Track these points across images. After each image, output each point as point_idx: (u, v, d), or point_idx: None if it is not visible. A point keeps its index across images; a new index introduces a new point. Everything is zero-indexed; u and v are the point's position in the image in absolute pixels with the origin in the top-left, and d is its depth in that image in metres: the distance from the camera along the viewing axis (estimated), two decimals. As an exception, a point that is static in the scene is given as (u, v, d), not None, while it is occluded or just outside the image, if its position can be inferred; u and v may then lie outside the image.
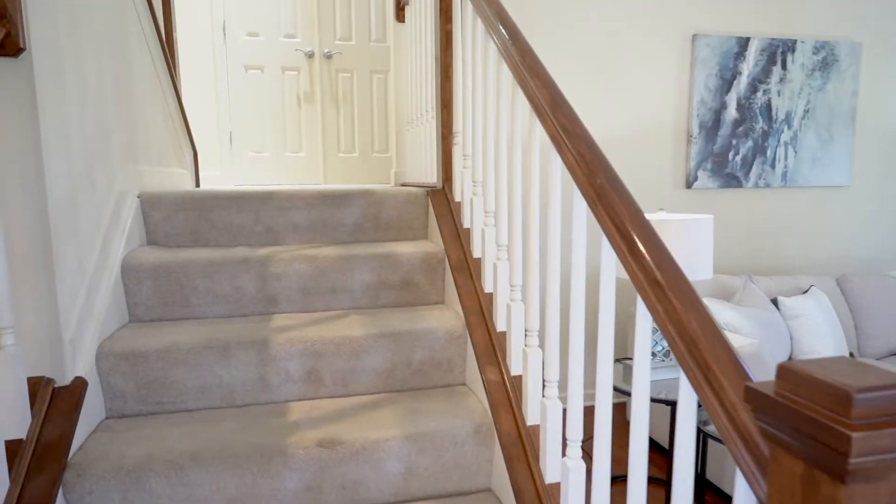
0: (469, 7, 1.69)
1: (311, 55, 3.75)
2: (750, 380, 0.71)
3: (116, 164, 1.70)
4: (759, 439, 0.68)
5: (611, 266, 0.99)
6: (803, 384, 0.60)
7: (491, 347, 1.53)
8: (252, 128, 3.76)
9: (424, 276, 1.82)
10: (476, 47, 1.65)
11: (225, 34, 3.64)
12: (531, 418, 1.34)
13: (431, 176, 2.22)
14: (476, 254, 1.73)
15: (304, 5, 3.71)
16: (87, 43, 1.51)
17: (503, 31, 1.37)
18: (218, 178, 3.72)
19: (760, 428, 0.65)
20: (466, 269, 1.72)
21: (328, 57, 3.77)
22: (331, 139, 3.88)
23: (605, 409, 1.00)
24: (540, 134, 1.27)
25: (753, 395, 0.64)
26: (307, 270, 1.73)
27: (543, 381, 1.29)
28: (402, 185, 2.84)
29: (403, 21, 2.77)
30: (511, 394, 1.42)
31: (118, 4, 1.78)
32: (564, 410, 1.18)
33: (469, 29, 1.71)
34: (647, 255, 0.85)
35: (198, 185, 2.82)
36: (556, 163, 1.17)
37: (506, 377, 1.45)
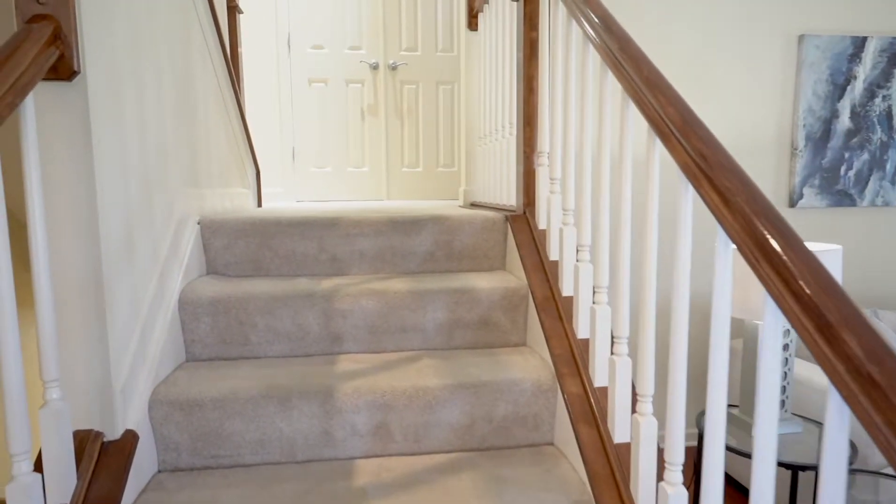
0: (562, 11, 1.49)
1: (375, 67, 3.63)
2: None
3: (177, 189, 1.59)
4: None
5: (776, 337, 0.76)
6: None
7: (587, 406, 1.30)
8: (315, 142, 3.68)
9: (505, 314, 1.62)
10: (570, 57, 1.44)
11: (289, 47, 3.58)
12: (643, 503, 1.11)
13: (509, 198, 2.02)
14: (566, 291, 1.51)
15: (369, 16, 3.61)
16: (148, 61, 1.41)
17: (610, 38, 1.15)
18: (280, 194, 3.66)
19: None
20: (554, 309, 1.50)
21: (393, 68, 3.65)
22: (394, 153, 3.75)
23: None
24: (661, 158, 1.04)
25: None
26: (375, 307, 1.56)
27: (662, 461, 1.05)
28: (472, 204, 2.65)
29: (475, 29, 2.59)
30: (614, 466, 1.19)
31: (182, 19, 1.69)
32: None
33: (561, 36, 1.51)
34: (851, 343, 0.61)
35: (259, 204, 2.74)
36: (688, 197, 0.94)
37: (607, 444, 1.22)
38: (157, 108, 1.46)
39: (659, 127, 0.97)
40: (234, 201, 2.31)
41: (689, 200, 0.94)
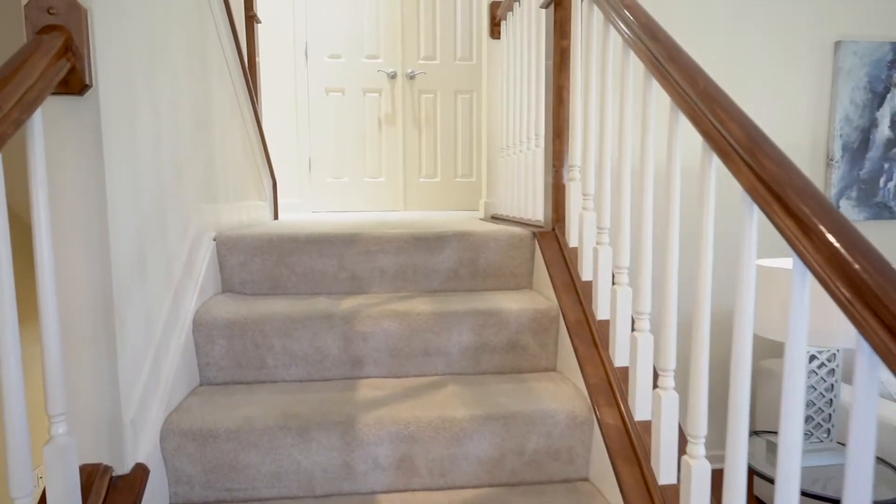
0: (597, 17, 1.40)
1: (393, 76, 3.58)
2: None
3: (192, 205, 1.53)
4: None
5: (872, 383, 0.66)
6: None
7: (628, 441, 1.21)
8: (331, 153, 3.63)
9: (534, 337, 1.53)
10: (607, 65, 1.35)
11: (307, 57, 3.54)
12: (693, 552, 1.01)
13: (534, 213, 1.94)
14: (601, 315, 1.41)
15: (388, 25, 3.55)
16: (165, 72, 1.35)
17: (657, 46, 1.07)
18: (296, 205, 3.61)
19: None
20: (588, 334, 1.41)
21: (411, 77, 3.59)
22: (412, 163, 3.68)
23: None
24: (718, 176, 0.95)
25: None
26: (397, 329, 1.48)
27: (716, 508, 0.96)
28: (493, 217, 2.57)
29: (498, 37, 2.52)
30: (660, 510, 1.09)
31: (200, 29, 1.63)
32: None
33: (597, 44, 1.42)
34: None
35: (276, 216, 2.68)
36: (752, 220, 0.85)
37: (651, 485, 1.13)
38: (173, 121, 1.40)
39: (718, 144, 0.88)
40: (251, 214, 2.25)
41: (753, 224, 0.85)
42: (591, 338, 1.40)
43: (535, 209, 1.94)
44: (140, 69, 1.22)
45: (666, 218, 1.07)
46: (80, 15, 1.04)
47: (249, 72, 2.58)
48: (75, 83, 1.04)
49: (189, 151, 1.51)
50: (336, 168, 3.64)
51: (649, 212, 1.18)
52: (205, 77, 1.67)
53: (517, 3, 2.17)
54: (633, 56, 1.23)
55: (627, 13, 1.19)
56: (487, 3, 2.56)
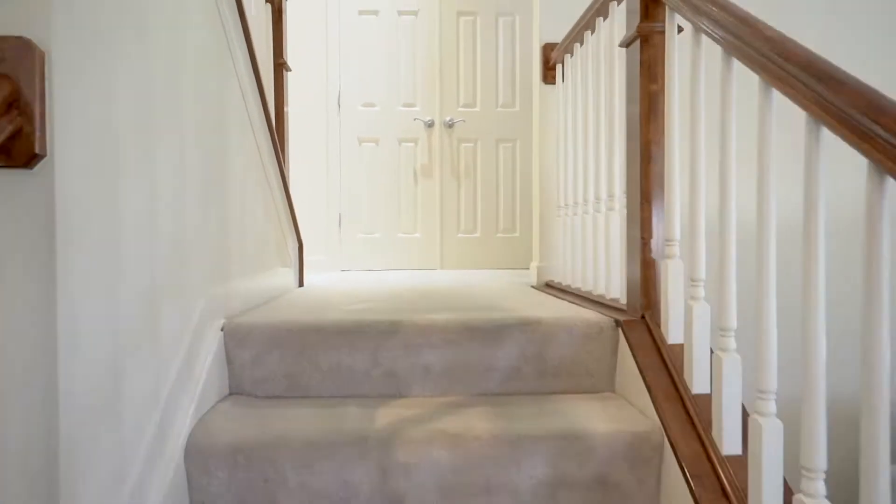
0: (707, 51, 1.08)
1: (430, 124, 3.33)
2: None
3: (197, 289, 1.23)
4: None
5: None
6: None
7: None
8: (363, 206, 3.37)
9: (630, 471, 1.15)
10: (727, 112, 1.03)
11: (339, 105, 3.33)
12: None
13: (607, 288, 1.59)
14: (729, 449, 1.04)
15: (425, 71, 3.33)
16: (167, 134, 1.07)
17: (839, 96, 0.74)
18: (323, 262, 3.33)
19: None
20: (713, 478, 1.03)
21: (449, 125, 3.33)
22: (449, 218, 3.39)
23: None
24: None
25: None
26: (449, 459, 1.13)
27: None
28: (548, 284, 2.23)
29: (552, 82, 2.23)
30: None
31: (218, 80, 1.37)
32: None
33: (712, 85, 1.10)
34: None
35: (301, 283, 2.39)
36: None
37: None
38: (177, 192, 1.12)
39: None
40: (273, 281, 1.96)
41: None
42: (718, 485, 1.01)
43: (610, 285, 1.59)
44: (130, 131, 0.94)
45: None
46: (33, 60, 0.77)
47: (277, 123, 2.34)
48: (20, 152, 0.76)
49: (197, 225, 1.23)
50: (368, 223, 3.37)
51: (820, 314, 0.82)
52: (221, 136, 1.41)
53: (578, 44, 1.88)
54: (777, 95, 0.90)
55: (767, 48, 0.87)
56: (539, 46, 2.30)
